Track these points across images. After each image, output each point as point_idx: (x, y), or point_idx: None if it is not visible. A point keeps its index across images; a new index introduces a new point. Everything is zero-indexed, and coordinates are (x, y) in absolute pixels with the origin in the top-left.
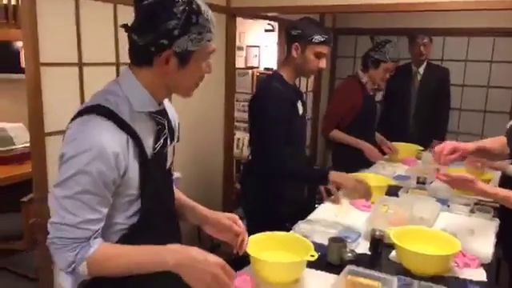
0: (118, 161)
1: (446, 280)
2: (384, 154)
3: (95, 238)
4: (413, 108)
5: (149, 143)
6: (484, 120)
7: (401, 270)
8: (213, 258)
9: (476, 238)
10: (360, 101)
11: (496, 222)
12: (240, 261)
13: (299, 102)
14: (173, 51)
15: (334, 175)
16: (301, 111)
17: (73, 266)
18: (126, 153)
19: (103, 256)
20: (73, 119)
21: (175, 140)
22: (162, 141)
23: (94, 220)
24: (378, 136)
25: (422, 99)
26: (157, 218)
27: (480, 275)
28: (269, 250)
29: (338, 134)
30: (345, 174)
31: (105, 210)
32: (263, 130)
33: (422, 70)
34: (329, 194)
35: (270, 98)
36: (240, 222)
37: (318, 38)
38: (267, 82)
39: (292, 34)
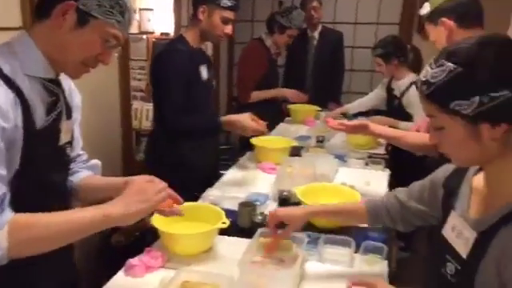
0: (8, 116)
1: (349, 230)
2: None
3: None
4: (310, 71)
5: (39, 113)
6: (372, 79)
7: (307, 226)
8: (137, 180)
9: (372, 188)
10: (265, 64)
11: (387, 172)
12: (145, 237)
13: (204, 66)
14: (76, 5)
15: (232, 117)
16: (205, 76)
17: None
18: (14, 111)
19: (27, 218)
20: None
21: (72, 118)
22: (54, 114)
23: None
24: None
25: (318, 63)
26: (39, 198)
27: None
28: (178, 221)
29: (257, 94)
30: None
31: (3, 172)
32: (161, 93)
33: (317, 34)
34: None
35: (168, 59)
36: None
37: (226, 2)
38: (168, 45)
39: None
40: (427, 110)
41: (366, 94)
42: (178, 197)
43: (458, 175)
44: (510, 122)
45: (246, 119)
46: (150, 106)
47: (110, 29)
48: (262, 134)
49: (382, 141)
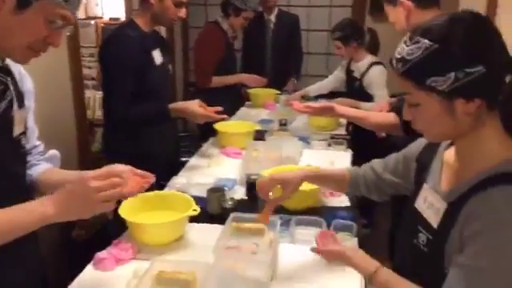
0: None
1: (318, 210)
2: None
3: None
4: (269, 55)
5: None
6: (328, 62)
7: (277, 209)
8: (85, 175)
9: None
10: (223, 48)
11: (349, 152)
12: (107, 229)
13: (157, 50)
14: None
15: (179, 104)
16: (158, 60)
17: None
18: None
19: None
20: None
21: (24, 106)
22: (4, 104)
23: None
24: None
25: (276, 46)
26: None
27: (344, 201)
28: (146, 211)
29: (218, 80)
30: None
31: None
32: (109, 81)
33: (273, 17)
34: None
35: (117, 45)
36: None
37: None
38: (117, 30)
39: None
40: (402, 87)
41: (323, 76)
42: (146, 173)
43: (430, 150)
44: (484, 97)
45: (193, 106)
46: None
47: (56, 9)
48: (221, 119)
49: (343, 121)
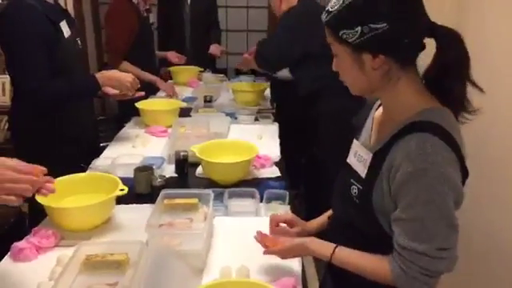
0: None
1: (250, 182)
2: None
3: None
4: (188, 33)
5: None
6: (247, 39)
7: (209, 184)
8: None
9: (264, 141)
10: (136, 23)
11: (276, 125)
12: (22, 223)
13: (64, 22)
14: None
15: (103, 73)
16: (67, 33)
17: None
18: None
19: None
20: None
21: None
22: None
23: None
24: (160, 53)
25: (194, 24)
26: None
27: (275, 172)
28: (67, 196)
29: (129, 68)
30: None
31: None
32: (16, 60)
33: None
34: None
35: (19, 16)
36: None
37: None
38: (14, 0)
39: None
40: (328, 37)
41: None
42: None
43: (365, 111)
44: (387, 53)
45: (119, 71)
46: (5, 78)
47: None
48: (142, 97)
49: (268, 96)
